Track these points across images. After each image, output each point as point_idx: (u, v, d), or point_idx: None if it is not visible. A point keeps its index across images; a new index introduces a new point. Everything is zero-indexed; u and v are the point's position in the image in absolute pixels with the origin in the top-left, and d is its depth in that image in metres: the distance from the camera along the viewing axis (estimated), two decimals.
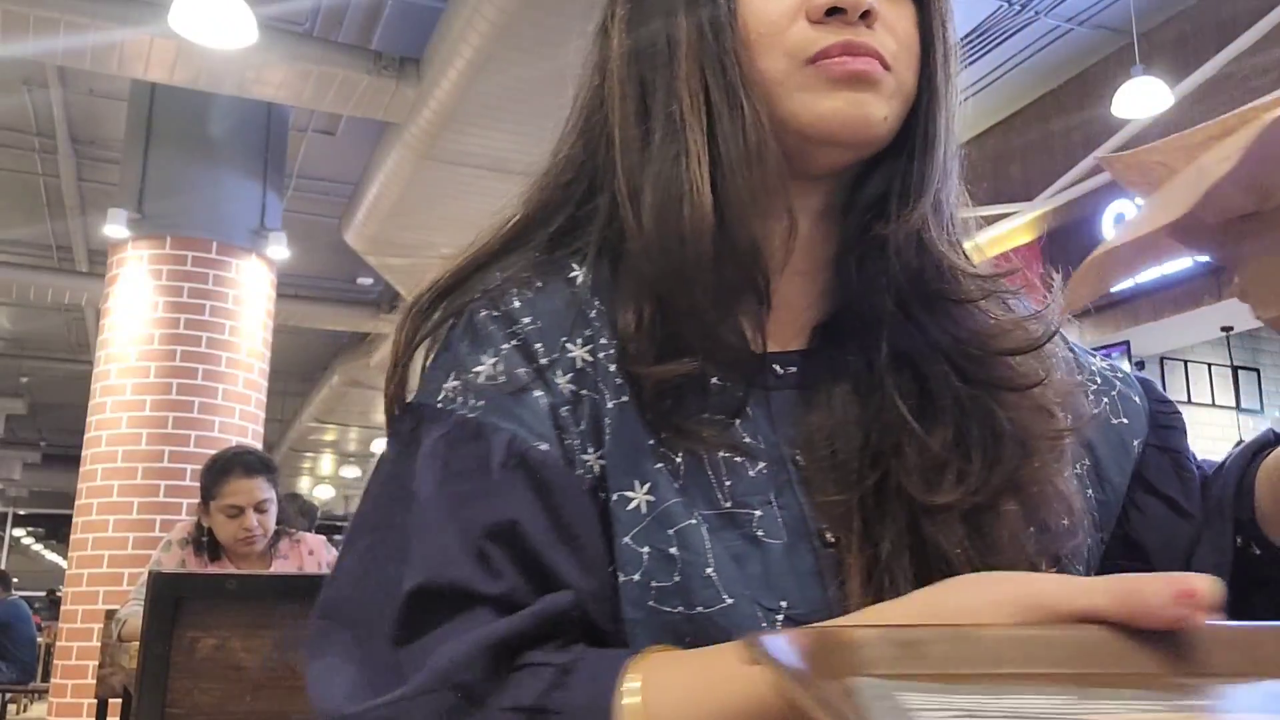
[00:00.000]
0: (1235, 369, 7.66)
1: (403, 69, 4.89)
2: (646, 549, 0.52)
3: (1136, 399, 0.67)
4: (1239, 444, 0.67)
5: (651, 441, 0.55)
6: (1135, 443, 0.65)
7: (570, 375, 0.56)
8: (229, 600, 1.43)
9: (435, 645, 0.47)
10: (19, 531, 21.28)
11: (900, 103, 0.57)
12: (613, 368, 0.56)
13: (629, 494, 0.54)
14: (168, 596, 1.39)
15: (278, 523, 2.64)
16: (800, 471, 0.56)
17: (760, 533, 0.54)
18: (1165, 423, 0.67)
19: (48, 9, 4.30)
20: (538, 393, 0.55)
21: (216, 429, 5.22)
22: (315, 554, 2.73)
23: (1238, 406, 7.64)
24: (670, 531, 0.52)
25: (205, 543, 2.60)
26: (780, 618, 0.52)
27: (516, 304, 0.57)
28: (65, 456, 12.51)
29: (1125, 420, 0.66)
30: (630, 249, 0.57)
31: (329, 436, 14.32)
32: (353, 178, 6.56)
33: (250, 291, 5.50)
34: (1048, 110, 6.83)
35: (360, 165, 6.25)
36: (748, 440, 0.56)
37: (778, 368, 0.59)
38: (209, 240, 5.38)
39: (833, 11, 0.55)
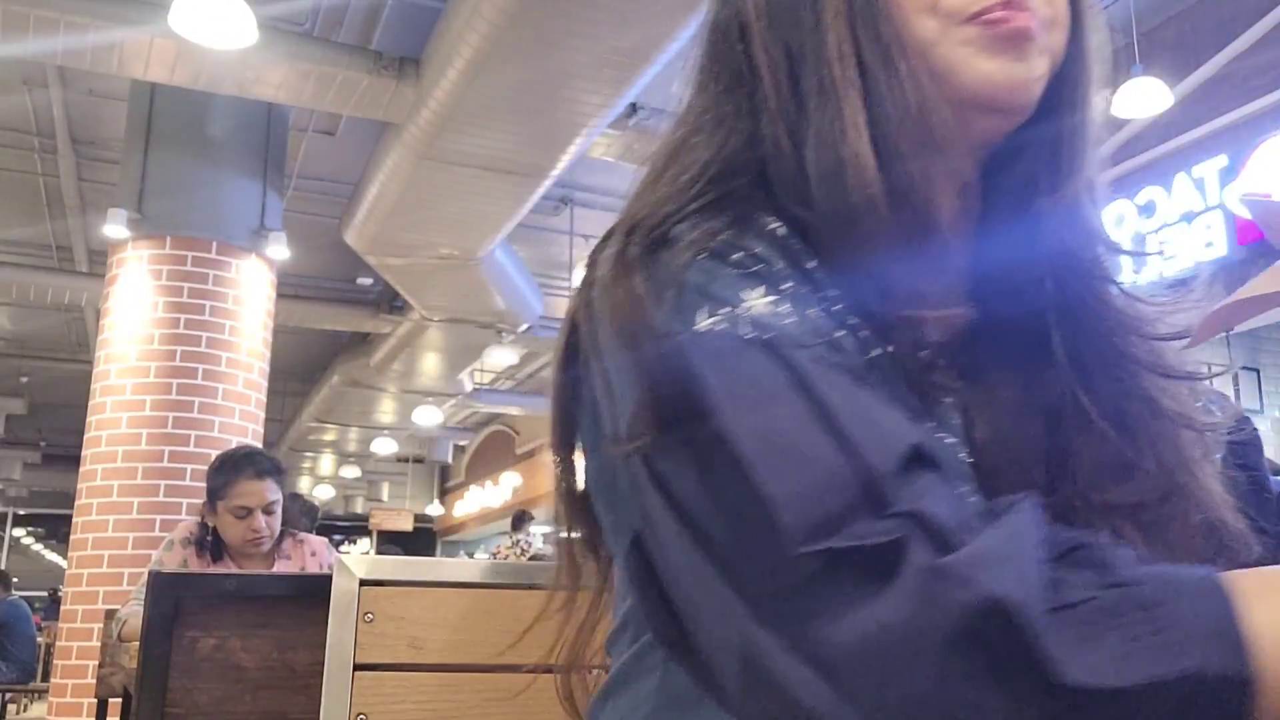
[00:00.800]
0: (1235, 369, 7.66)
1: (402, 69, 4.89)
2: None
3: (1216, 410, 0.65)
4: None
5: (915, 394, 0.52)
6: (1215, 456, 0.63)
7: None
8: (229, 600, 1.43)
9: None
10: (19, 531, 21.28)
11: (1048, 65, 0.54)
12: (852, 320, 0.50)
13: None
14: (167, 596, 1.39)
15: (281, 524, 2.64)
16: (971, 456, 0.54)
17: None
18: (1242, 438, 0.65)
19: (48, 9, 4.29)
20: (826, 320, 0.49)
21: (216, 429, 5.22)
22: (318, 555, 2.73)
23: None
24: None
25: (209, 543, 2.59)
26: None
27: (759, 248, 0.50)
28: (65, 456, 12.51)
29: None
30: (804, 216, 0.53)
31: (329, 436, 14.32)
32: (352, 177, 6.56)
33: (250, 291, 5.50)
34: None
35: (360, 165, 6.25)
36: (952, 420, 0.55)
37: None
38: (209, 240, 5.38)
39: None
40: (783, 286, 0.49)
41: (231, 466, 2.59)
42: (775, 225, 0.52)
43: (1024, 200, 0.56)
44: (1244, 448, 0.66)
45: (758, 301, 0.48)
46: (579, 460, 0.59)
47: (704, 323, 0.47)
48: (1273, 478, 0.67)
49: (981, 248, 0.57)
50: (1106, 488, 0.53)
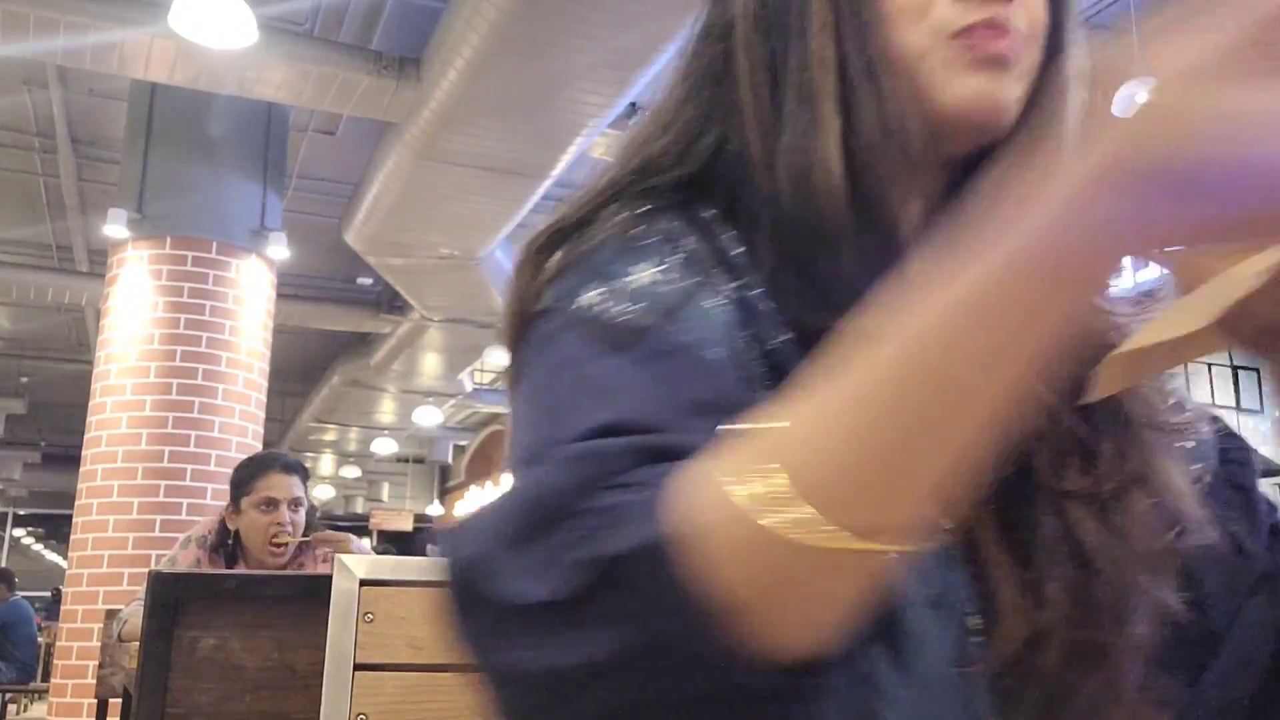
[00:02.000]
0: (1235, 369, 7.67)
1: (403, 69, 4.89)
2: None
3: (1205, 428, 0.65)
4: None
5: None
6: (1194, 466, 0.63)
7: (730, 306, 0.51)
8: (228, 600, 1.43)
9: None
10: (19, 531, 21.28)
11: (1025, 87, 0.56)
12: (766, 306, 0.52)
13: None
14: (167, 596, 1.39)
15: (303, 533, 2.60)
16: None
17: None
18: (1235, 458, 0.65)
19: (48, 9, 4.29)
20: (709, 301, 0.49)
21: (217, 429, 5.22)
22: (329, 564, 2.69)
23: (1238, 406, 7.64)
24: None
25: (229, 546, 2.57)
26: (927, 606, 0.50)
27: (672, 224, 0.53)
28: (65, 456, 12.50)
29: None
30: (764, 217, 0.54)
31: (329, 436, 14.32)
32: (353, 178, 6.56)
33: (250, 291, 5.50)
34: None
35: (360, 165, 6.25)
36: None
37: None
38: (209, 240, 5.38)
39: None
40: (677, 261, 0.51)
41: (259, 462, 2.62)
42: (709, 214, 0.54)
43: None
44: (1240, 469, 0.65)
45: (644, 275, 0.49)
46: None
47: (586, 298, 0.49)
48: (1266, 502, 0.67)
49: None
50: (1063, 475, 0.54)
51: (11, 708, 8.09)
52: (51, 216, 7.87)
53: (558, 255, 0.54)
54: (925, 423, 0.34)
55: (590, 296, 0.49)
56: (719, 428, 0.38)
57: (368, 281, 8.82)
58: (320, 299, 8.94)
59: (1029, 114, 0.56)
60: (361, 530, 16.41)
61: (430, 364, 10.21)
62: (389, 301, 8.92)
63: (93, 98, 6.20)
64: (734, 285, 0.52)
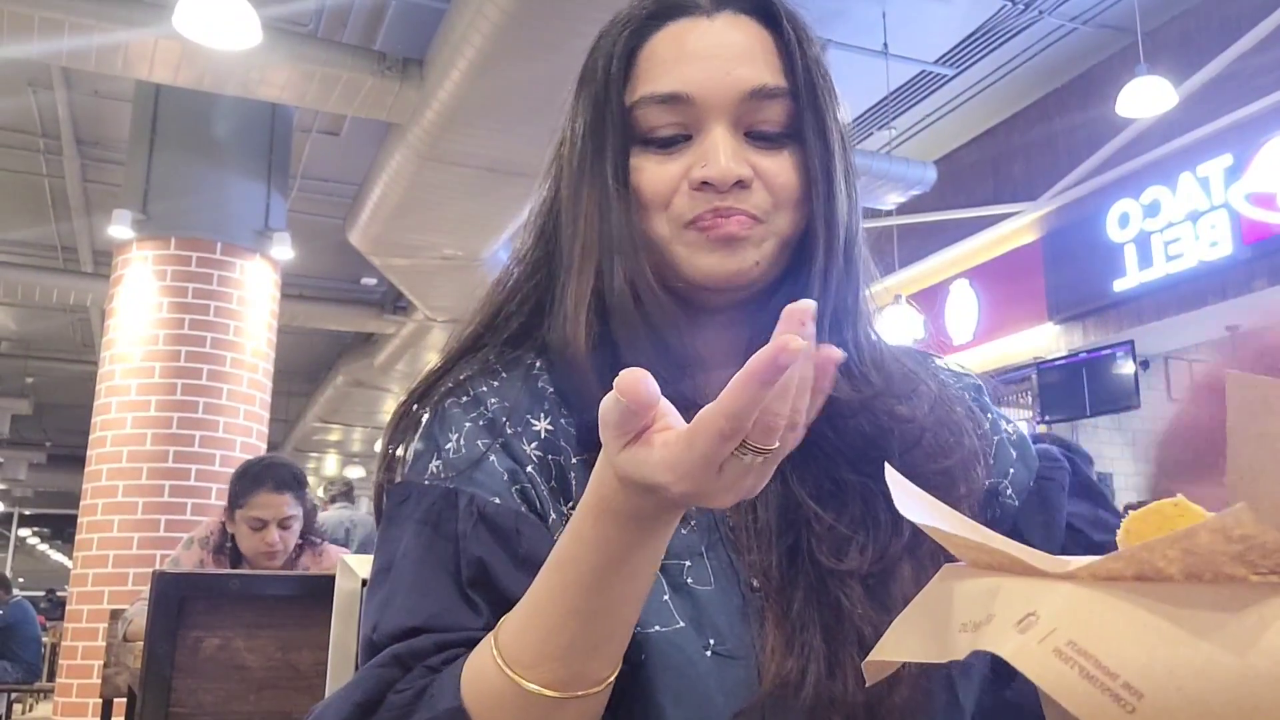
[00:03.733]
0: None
1: (406, 70, 4.90)
2: None
3: (1014, 453, 0.74)
4: None
5: None
6: (1010, 495, 0.72)
7: (536, 443, 0.66)
8: (232, 600, 1.43)
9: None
10: (24, 531, 21.32)
11: (775, 244, 0.66)
12: (574, 431, 0.67)
13: None
14: (172, 596, 1.39)
15: (302, 534, 2.60)
16: (730, 531, 0.66)
17: (690, 580, 0.63)
18: (1051, 476, 0.73)
19: (53, 10, 4.30)
20: (493, 459, 0.65)
21: (221, 429, 5.22)
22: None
23: None
24: None
25: (229, 548, 2.57)
26: (709, 653, 0.60)
27: (484, 389, 0.69)
28: (70, 457, 12.54)
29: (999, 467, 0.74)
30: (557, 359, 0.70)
31: (333, 437, 14.33)
32: (357, 178, 6.56)
33: (254, 292, 5.51)
34: (1051, 109, 6.82)
35: (364, 166, 6.25)
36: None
37: None
38: (213, 241, 5.39)
39: (707, 183, 0.64)
40: (480, 423, 0.67)
41: (252, 477, 2.55)
42: (532, 359, 0.71)
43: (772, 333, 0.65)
44: (1049, 486, 0.74)
45: (450, 443, 0.66)
46: None
47: (430, 469, 0.66)
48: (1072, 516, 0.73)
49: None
50: (834, 560, 0.63)
51: (17, 707, 8.10)
52: (56, 217, 7.89)
53: (409, 418, 0.71)
54: (567, 614, 0.51)
55: (419, 466, 0.67)
56: (481, 616, 0.59)
57: (371, 282, 8.83)
58: (324, 299, 8.95)
59: (802, 248, 0.67)
60: None
61: (434, 364, 10.20)
62: (393, 302, 8.93)
63: (97, 99, 6.22)
64: (545, 423, 0.67)
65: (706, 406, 0.44)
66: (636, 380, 0.44)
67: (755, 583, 0.63)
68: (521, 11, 4.06)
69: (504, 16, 4.11)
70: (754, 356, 0.43)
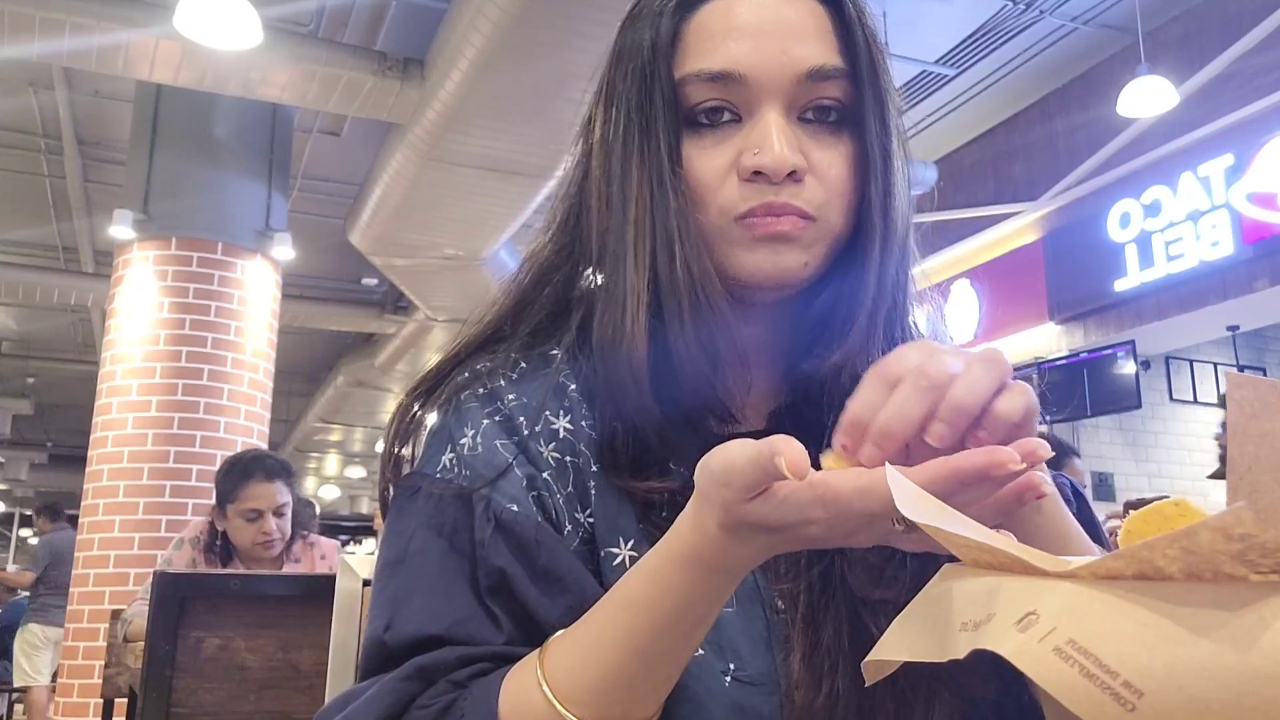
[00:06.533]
0: (1241, 368, 7.64)
1: (407, 70, 4.90)
2: None
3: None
4: None
5: (634, 505, 0.62)
6: None
7: (554, 444, 0.63)
8: (233, 600, 1.43)
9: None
10: (25, 532, 21.32)
11: (825, 245, 0.62)
12: (593, 435, 0.63)
13: (614, 550, 0.61)
14: (172, 596, 1.39)
15: (291, 526, 2.62)
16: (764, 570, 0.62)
17: None
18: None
19: (53, 11, 4.30)
20: (513, 461, 0.62)
21: (222, 429, 5.22)
22: (328, 559, 2.71)
23: None
24: None
25: (218, 546, 2.58)
26: (729, 680, 0.58)
27: (501, 383, 0.65)
28: (71, 457, 12.54)
29: None
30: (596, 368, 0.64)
31: (334, 437, 14.33)
32: (357, 178, 6.56)
33: (255, 292, 5.51)
34: (1052, 109, 6.82)
35: (365, 166, 6.25)
36: None
37: None
38: (214, 241, 5.39)
39: (759, 172, 0.59)
40: (497, 419, 0.63)
41: (241, 470, 2.57)
42: (556, 351, 0.67)
43: (821, 334, 0.64)
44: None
45: (465, 440, 0.63)
46: None
47: (442, 462, 0.63)
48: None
49: (784, 369, 0.67)
50: (868, 588, 0.61)
51: (18, 707, 8.11)
52: (57, 217, 7.89)
53: (415, 412, 0.67)
54: (633, 654, 0.50)
55: (431, 458, 0.63)
56: (502, 630, 0.57)
57: (372, 282, 8.83)
58: (325, 299, 8.95)
59: (862, 232, 0.63)
60: (366, 530, 16.43)
61: (435, 364, 10.19)
62: (393, 302, 8.93)
63: (98, 99, 6.22)
64: (564, 421, 0.64)
65: (895, 467, 0.42)
66: (803, 458, 0.42)
67: (780, 604, 0.61)
68: (522, 11, 4.06)
69: (505, 16, 4.11)
70: (971, 455, 0.41)
